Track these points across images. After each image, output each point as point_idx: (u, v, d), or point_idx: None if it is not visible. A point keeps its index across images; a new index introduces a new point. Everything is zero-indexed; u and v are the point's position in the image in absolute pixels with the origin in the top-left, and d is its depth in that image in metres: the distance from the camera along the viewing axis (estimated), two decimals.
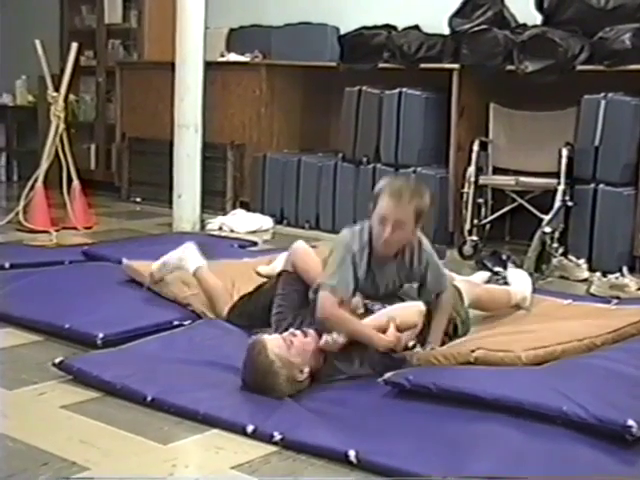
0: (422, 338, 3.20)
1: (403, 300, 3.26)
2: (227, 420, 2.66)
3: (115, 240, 5.49)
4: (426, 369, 2.98)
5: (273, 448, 2.54)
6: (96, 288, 4.03)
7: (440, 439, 2.54)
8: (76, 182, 5.93)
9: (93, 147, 7.68)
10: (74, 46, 5.97)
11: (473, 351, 3.02)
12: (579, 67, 5.04)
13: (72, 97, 7.24)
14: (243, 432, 2.60)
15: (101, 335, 3.36)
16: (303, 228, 6.11)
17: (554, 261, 4.78)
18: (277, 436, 2.55)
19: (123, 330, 3.43)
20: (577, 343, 3.25)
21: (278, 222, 6.23)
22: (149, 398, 2.81)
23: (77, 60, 6.15)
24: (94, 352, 3.28)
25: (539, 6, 5.27)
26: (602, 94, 4.93)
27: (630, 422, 2.42)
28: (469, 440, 2.54)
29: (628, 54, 4.87)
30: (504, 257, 4.75)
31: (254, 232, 5.94)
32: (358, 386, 2.92)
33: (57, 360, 3.07)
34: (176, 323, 3.58)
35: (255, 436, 2.58)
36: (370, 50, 5.85)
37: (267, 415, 2.68)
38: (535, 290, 4.13)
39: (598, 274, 4.58)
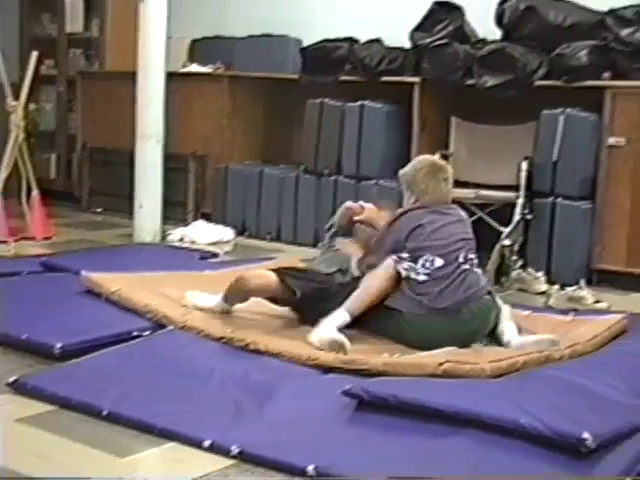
0: None
1: None
2: (184, 434, 2.64)
3: (74, 251, 5.44)
4: (385, 381, 3.00)
5: (231, 461, 2.52)
6: (54, 299, 4.00)
7: (399, 452, 2.54)
8: (35, 192, 5.87)
9: (54, 157, 7.61)
10: (34, 55, 5.92)
11: (441, 364, 3.06)
12: (538, 82, 5.10)
13: (32, 106, 7.17)
14: (200, 446, 2.59)
15: (59, 345, 3.32)
16: (264, 240, 6.11)
17: (513, 274, 4.82)
18: (235, 450, 2.54)
19: (81, 340, 3.39)
20: (537, 355, 3.31)
21: (239, 233, 6.22)
22: (105, 412, 2.79)
23: (37, 69, 6.10)
24: (49, 367, 3.24)
25: (499, 21, 5.33)
26: (560, 109, 4.99)
27: (585, 435, 2.44)
28: (428, 453, 2.55)
29: (585, 70, 4.93)
30: None
31: (215, 243, 5.92)
32: (317, 398, 2.92)
33: (11, 379, 3.03)
34: (135, 334, 3.55)
35: (212, 450, 2.57)
36: (332, 63, 5.88)
37: (225, 428, 2.66)
38: None
39: (556, 287, 4.64)
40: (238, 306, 3.82)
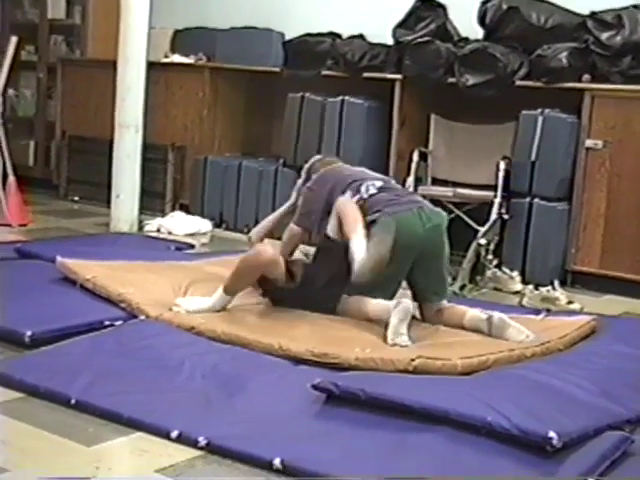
0: None
1: None
2: (151, 424, 2.64)
3: (50, 238, 5.41)
4: (355, 375, 3.01)
5: (198, 452, 2.53)
6: (28, 286, 3.98)
7: (366, 447, 2.55)
8: (12, 178, 5.83)
9: (32, 143, 7.55)
10: (13, 40, 5.88)
11: (413, 360, 3.07)
12: (518, 82, 5.12)
13: (11, 92, 7.12)
14: (167, 437, 2.59)
15: (29, 333, 3.31)
16: (242, 232, 6.08)
17: (488, 273, 4.83)
18: (202, 441, 2.54)
19: (52, 329, 3.38)
20: (508, 353, 3.33)
21: (217, 225, 6.21)
22: (73, 401, 2.78)
23: (17, 54, 6.07)
24: (18, 355, 3.23)
25: (481, 21, 5.33)
26: (539, 110, 5.01)
27: (551, 434, 2.46)
28: (395, 449, 2.55)
29: (564, 72, 4.95)
30: None
31: (192, 235, 5.90)
32: (286, 391, 2.93)
33: None
34: (107, 323, 3.54)
35: (180, 440, 2.57)
36: (314, 57, 5.86)
37: (193, 419, 2.66)
38: (469, 301, 4.20)
39: (530, 287, 4.65)
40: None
